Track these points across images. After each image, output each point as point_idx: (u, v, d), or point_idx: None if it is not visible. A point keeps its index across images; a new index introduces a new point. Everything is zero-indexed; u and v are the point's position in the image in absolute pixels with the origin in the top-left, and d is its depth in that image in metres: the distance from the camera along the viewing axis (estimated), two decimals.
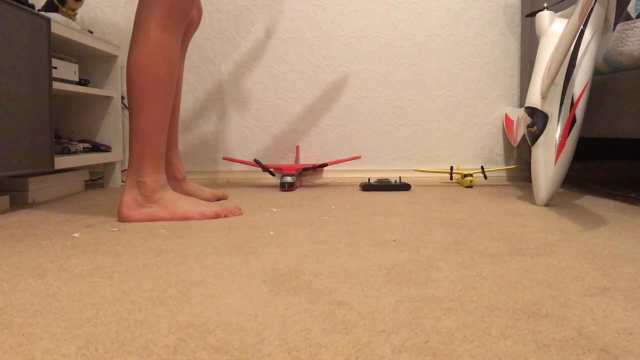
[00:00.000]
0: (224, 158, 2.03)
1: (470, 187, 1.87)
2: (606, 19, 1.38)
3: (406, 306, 0.61)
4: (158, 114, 1.20)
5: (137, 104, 1.19)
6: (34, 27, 1.35)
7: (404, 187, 1.79)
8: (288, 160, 2.14)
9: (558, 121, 1.33)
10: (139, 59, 1.17)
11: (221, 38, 2.11)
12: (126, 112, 2.06)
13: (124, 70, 1.98)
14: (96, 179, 2.12)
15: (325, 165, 1.91)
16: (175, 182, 1.47)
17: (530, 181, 1.93)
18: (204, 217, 1.22)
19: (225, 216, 1.24)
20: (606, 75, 1.43)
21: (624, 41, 1.32)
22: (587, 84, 1.33)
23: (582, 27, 1.34)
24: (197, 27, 1.48)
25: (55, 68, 1.55)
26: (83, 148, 1.78)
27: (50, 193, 1.60)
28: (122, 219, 1.19)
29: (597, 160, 2.14)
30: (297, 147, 2.12)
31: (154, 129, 1.20)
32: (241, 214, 1.29)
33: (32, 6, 1.39)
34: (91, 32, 1.78)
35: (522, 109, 1.59)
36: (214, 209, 1.24)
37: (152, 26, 1.17)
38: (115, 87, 1.93)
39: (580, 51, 1.34)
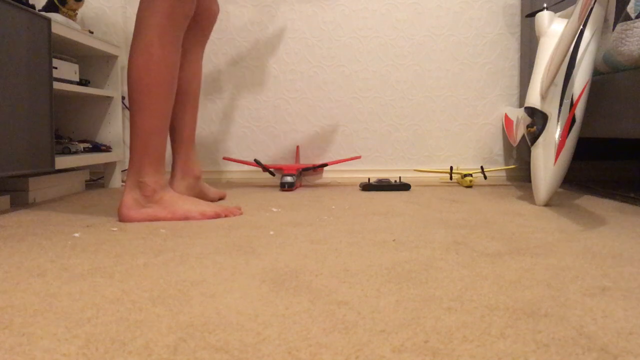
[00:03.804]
0: (224, 158, 2.04)
1: (470, 187, 1.87)
2: (606, 19, 1.38)
3: (406, 306, 0.61)
4: (158, 115, 1.20)
5: (137, 105, 1.19)
6: (34, 27, 1.36)
7: (403, 187, 1.79)
8: (288, 160, 2.14)
9: (557, 121, 1.33)
10: (140, 60, 1.18)
11: (221, 38, 2.11)
12: (127, 112, 2.06)
13: (125, 71, 1.99)
14: (96, 179, 2.12)
15: (325, 165, 1.91)
16: (194, 179, 1.46)
17: (530, 181, 1.93)
18: (204, 217, 1.22)
19: (226, 216, 1.25)
20: (606, 76, 1.43)
21: (623, 41, 1.32)
22: (586, 84, 1.33)
23: (581, 27, 1.34)
24: (214, 20, 1.47)
25: (56, 68, 1.55)
26: (83, 148, 1.78)
27: (50, 193, 1.60)
28: (122, 219, 1.19)
29: (597, 160, 2.14)
30: (297, 147, 2.12)
31: (154, 129, 1.20)
32: (241, 213, 1.29)
33: (33, 6, 1.39)
34: (91, 32, 1.78)
35: (522, 109, 1.59)
36: (214, 208, 1.25)
37: (153, 27, 1.18)
38: (115, 87, 1.93)
39: (580, 51, 1.34)
